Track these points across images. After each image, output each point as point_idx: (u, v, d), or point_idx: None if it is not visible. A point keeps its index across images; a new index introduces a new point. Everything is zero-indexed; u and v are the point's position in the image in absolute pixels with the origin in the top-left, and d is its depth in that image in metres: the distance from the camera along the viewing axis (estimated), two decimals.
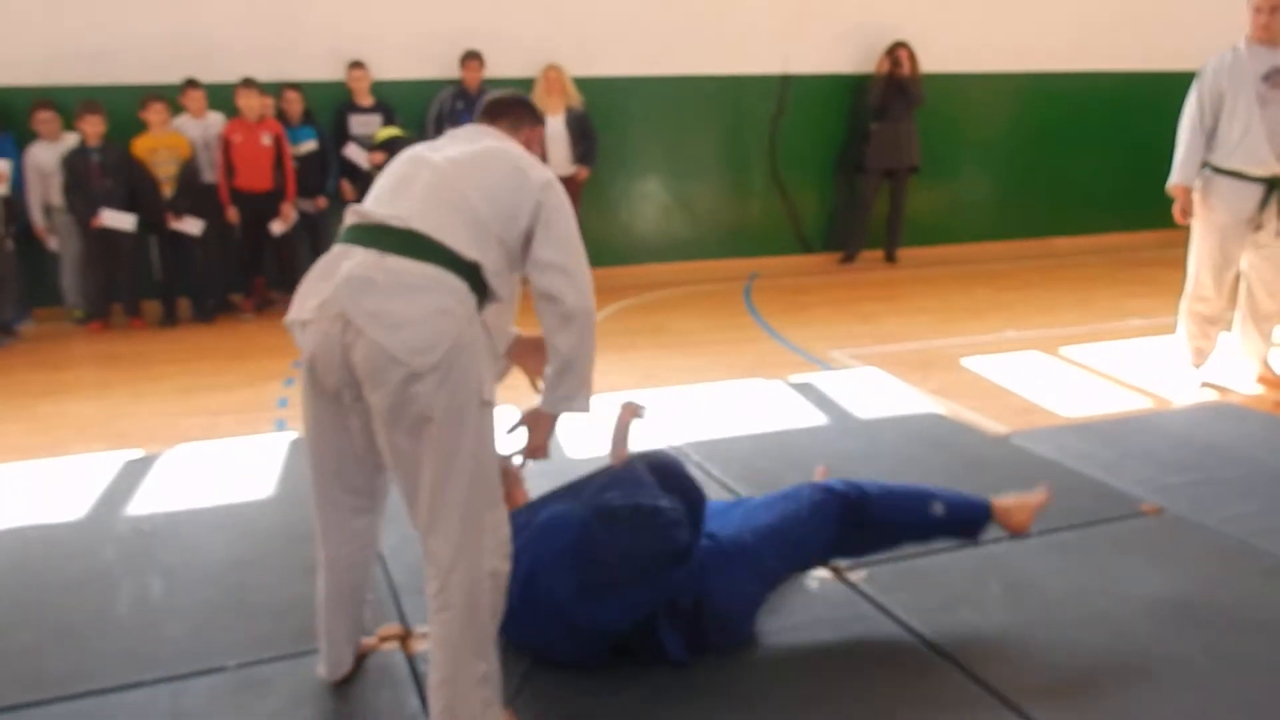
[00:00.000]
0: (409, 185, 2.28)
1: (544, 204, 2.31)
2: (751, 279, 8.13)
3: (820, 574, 3.15)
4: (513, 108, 2.57)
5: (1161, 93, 9.17)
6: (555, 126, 7.67)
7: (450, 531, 2.19)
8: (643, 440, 4.28)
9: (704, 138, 8.45)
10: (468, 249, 2.21)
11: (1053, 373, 5.47)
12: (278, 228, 7.05)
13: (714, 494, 3.78)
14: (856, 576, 3.12)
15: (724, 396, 4.98)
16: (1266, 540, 3.36)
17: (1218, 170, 4.99)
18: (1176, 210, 5.10)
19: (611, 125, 8.00)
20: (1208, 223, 5.04)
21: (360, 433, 2.29)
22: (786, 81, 8.46)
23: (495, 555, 2.25)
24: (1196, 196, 5.05)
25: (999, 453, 4.16)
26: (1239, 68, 4.86)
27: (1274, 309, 5.14)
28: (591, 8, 7.92)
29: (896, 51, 8.28)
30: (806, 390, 5.02)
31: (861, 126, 8.57)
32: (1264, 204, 4.89)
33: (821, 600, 3.02)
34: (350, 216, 2.29)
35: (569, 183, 7.81)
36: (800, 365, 5.64)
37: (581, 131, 7.74)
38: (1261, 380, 5.21)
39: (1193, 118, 5.01)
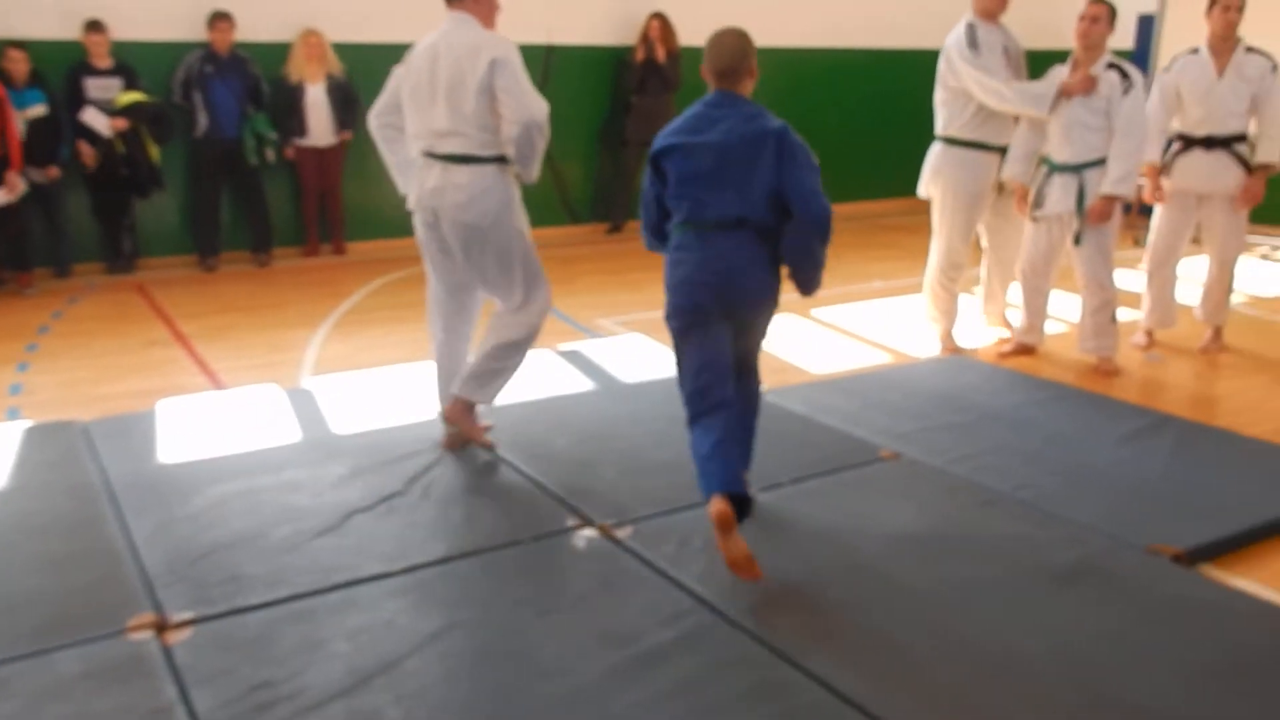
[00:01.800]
0: (437, 108, 3.63)
1: (495, 87, 3.56)
2: None
3: (587, 533, 3.25)
4: None
5: (903, 69, 9.83)
6: (316, 95, 7.40)
7: (516, 300, 3.82)
8: (409, 412, 4.26)
9: None
10: (491, 150, 3.66)
11: (804, 333, 5.80)
12: (2, 197, 6.47)
13: (483, 463, 3.82)
14: (623, 533, 3.24)
15: None
16: (986, 476, 3.73)
17: (957, 141, 5.24)
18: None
19: (375, 94, 7.76)
20: (958, 192, 5.29)
21: (455, 262, 3.81)
22: (551, 52, 8.48)
23: (541, 309, 3.88)
24: (943, 170, 5.28)
25: None
26: (988, 43, 5.14)
27: (1010, 262, 5.57)
28: None
29: (649, 23, 8.43)
30: (574, 358, 5.11)
31: (624, 98, 8.71)
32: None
33: (589, 558, 3.12)
34: (423, 140, 3.71)
35: (331, 153, 7.57)
36: (569, 334, 5.72)
37: (344, 99, 7.49)
38: (995, 327, 5.67)
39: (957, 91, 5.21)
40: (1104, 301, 5.07)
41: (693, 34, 8.73)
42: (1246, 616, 2.88)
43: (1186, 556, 3.18)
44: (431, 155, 3.70)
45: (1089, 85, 4.86)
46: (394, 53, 7.80)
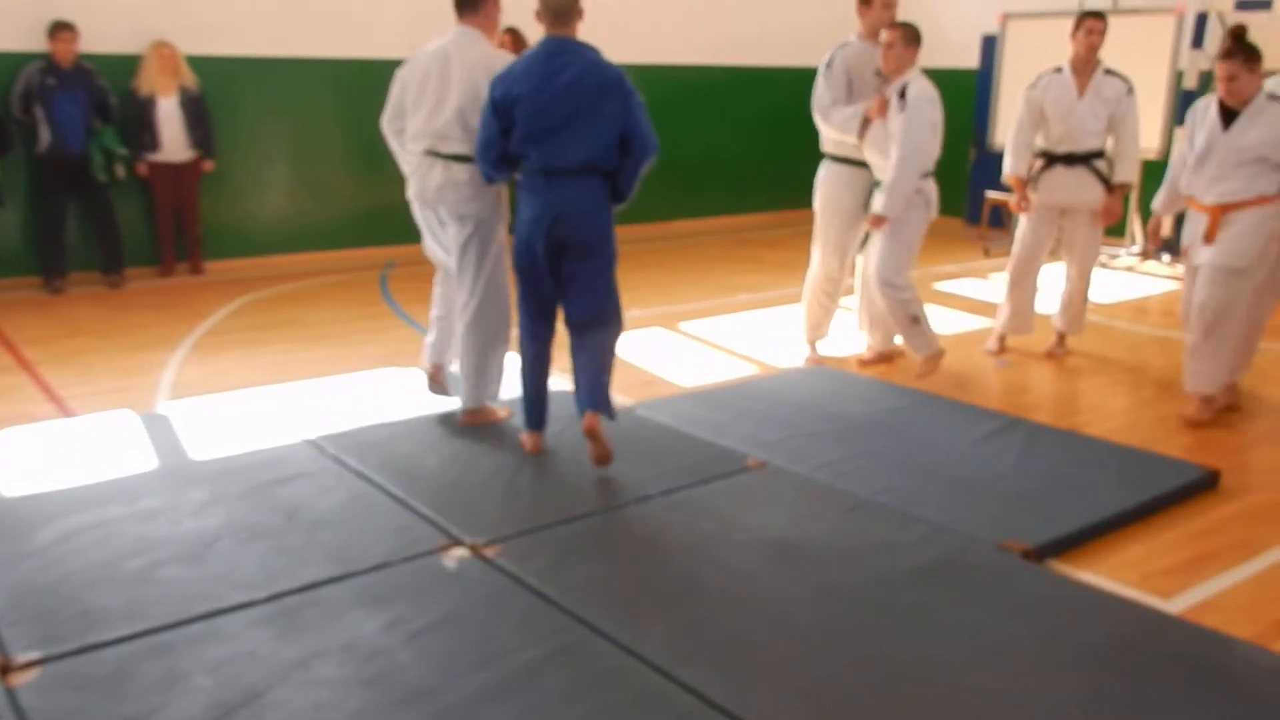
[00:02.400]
0: (445, 112, 3.97)
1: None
2: (387, 267, 8.02)
3: (458, 553, 3.23)
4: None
5: (765, 86, 10.07)
6: (169, 108, 7.14)
7: (478, 289, 4.17)
8: (272, 435, 4.16)
9: (333, 123, 8.19)
10: None
11: (673, 347, 5.87)
12: None
13: (350, 485, 3.75)
14: (493, 552, 3.22)
15: (360, 386, 4.91)
16: (848, 482, 3.85)
17: (834, 157, 5.37)
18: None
19: (232, 108, 7.57)
20: (833, 207, 5.41)
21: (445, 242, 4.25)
22: None
23: (505, 297, 4.26)
24: (824, 186, 5.42)
25: (624, 422, 4.42)
26: (862, 60, 5.25)
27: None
28: None
29: (501, 39, 8.42)
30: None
31: None
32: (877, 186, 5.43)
33: (459, 579, 3.10)
34: (426, 140, 4.05)
35: (186, 168, 7.32)
36: None
37: (197, 115, 7.25)
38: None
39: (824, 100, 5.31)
40: (892, 303, 5.14)
41: None
42: (1091, 608, 3.04)
43: (1035, 552, 3.35)
44: (435, 154, 4.03)
45: (882, 108, 5.02)
46: (248, 66, 7.72)
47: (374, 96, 8.34)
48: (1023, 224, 5.71)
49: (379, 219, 8.49)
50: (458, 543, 3.29)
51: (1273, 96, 4.42)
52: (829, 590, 3.07)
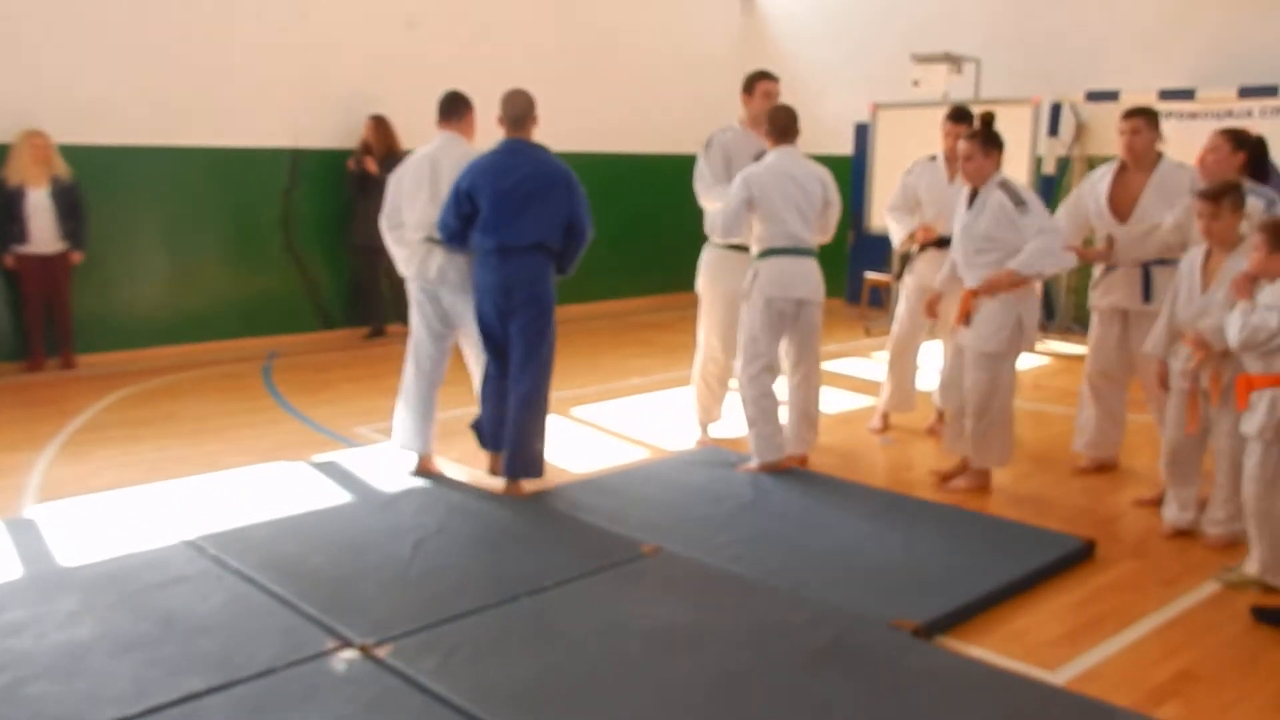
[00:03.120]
0: (439, 202, 4.61)
1: None
2: (271, 358, 7.84)
3: (347, 655, 3.13)
4: (453, 107, 4.86)
5: (650, 172, 10.29)
6: (39, 200, 6.92)
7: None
8: (148, 537, 3.98)
9: (212, 212, 8.03)
10: None
11: (565, 433, 5.86)
12: None
13: (232, 587, 3.61)
14: (384, 652, 3.13)
15: (242, 483, 4.75)
16: (741, 565, 3.87)
17: (718, 243, 5.44)
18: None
19: (107, 198, 7.38)
20: (716, 291, 5.51)
21: (437, 315, 4.83)
22: (298, 155, 8.33)
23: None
24: (705, 271, 5.54)
25: (516, 513, 4.38)
26: (740, 145, 5.37)
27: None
28: (77, 70, 7.26)
29: (366, 124, 8.38)
30: (330, 469, 4.95)
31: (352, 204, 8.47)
32: None
33: (349, 682, 2.99)
34: (424, 230, 4.72)
35: (57, 260, 7.08)
36: (324, 444, 5.53)
37: (69, 205, 7.04)
38: None
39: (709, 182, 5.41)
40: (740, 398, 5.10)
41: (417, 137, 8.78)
42: (981, 683, 3.09)
43: (925, 629, 3.41)
44: (432, 240, 4.69)
45: None
46: (124, 155, 7.55)
47: (254, 185, 8.30)
48: (900, 305, 5.92)
49: (261, 309, 8.33)
50: (347, 644, 3.18)
51: (1002, 185, 4.62)
52: (727, 677, 3.07)
